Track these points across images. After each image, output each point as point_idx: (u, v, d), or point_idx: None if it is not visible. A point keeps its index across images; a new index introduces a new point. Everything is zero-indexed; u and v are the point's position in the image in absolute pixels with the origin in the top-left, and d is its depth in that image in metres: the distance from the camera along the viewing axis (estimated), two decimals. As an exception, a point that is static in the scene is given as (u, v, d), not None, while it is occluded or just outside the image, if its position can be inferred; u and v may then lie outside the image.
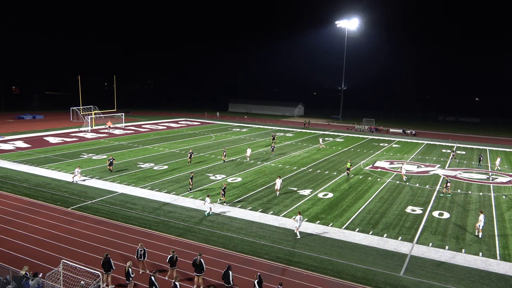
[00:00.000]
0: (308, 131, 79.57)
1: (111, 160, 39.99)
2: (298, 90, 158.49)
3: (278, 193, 33.87)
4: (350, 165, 41.77)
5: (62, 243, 23.12)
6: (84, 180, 36.00)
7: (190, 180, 33.88)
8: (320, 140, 61.05)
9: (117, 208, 29.35)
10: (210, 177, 38.50)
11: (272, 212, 29.46)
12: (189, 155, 44.75)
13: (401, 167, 42.85)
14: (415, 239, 25.21)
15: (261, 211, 29.49)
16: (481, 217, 26.21)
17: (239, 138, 66.10)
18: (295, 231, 25.17)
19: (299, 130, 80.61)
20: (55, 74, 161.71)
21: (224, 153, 46.95)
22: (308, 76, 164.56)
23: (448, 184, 35.47)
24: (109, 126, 71.43)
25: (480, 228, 26.05)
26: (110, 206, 29.65)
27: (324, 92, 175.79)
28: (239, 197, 32.77)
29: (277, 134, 72.25)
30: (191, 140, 62.49)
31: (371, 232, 26.18)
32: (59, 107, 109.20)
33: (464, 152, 58.72)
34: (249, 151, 48.50)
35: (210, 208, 28.52)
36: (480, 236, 25.81)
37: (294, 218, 25.10)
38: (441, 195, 35.32)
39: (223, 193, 30.54)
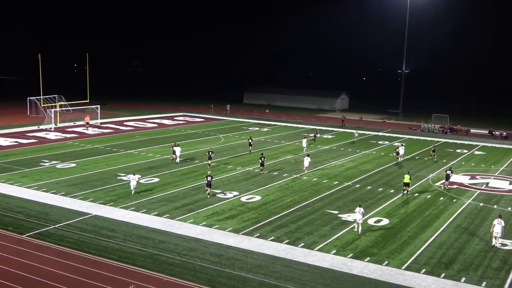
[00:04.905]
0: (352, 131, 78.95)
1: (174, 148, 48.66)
2: (340, 75, 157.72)
3: (305, 171, 43.89)
4: (410, 179, 41.25)
5: (13, 282, 23.34)
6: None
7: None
8: (355, 132, 70.64)
9: (89, 236, 29.57)
10: (218, 195, 38.54)
11: (302, 244, 29.30)
12: (208, 154, 48.46)
13: (398, 148, 51.30)
14: (506, 285, 24.79)
15: (287, 243, 29.37)
16: (496, 221, 29.40)
17: (258, 140, 66.08)
18: (356, 226, 31.19)
19: (342, 130, 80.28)
20: (7, 52, 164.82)
21: (174, 149, 49.73)
22: (355, 56, 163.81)
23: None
24: (87, 123, 72.30)
25: (495, 235, 29.34)
26: (79, 233, 29.89)
27: (378, 78, 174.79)
28: (258, 223, 32.69)
29: (310, 134, 72.05)
30: (192, 143, 62.74)
31: (443, 274, 25.83)
32: (11, 96, 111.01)
33: None
34: (305, 142, 59.01)
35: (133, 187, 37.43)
36: (495, 245, 29.28)
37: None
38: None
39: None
